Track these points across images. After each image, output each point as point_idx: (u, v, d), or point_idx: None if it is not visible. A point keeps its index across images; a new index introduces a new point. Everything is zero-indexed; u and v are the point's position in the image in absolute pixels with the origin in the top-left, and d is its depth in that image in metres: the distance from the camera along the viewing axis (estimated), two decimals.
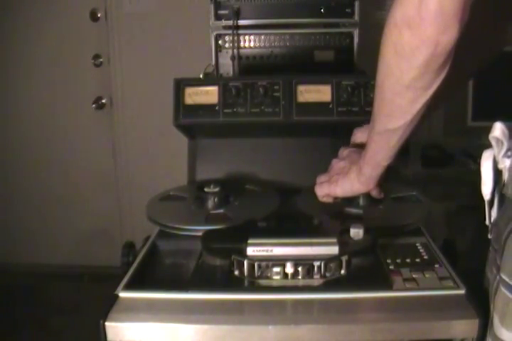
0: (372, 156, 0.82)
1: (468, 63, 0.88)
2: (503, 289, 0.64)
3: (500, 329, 0.65)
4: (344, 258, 0.76)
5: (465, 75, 0.93)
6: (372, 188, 0.88)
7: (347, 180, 0.88)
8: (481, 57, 0.87)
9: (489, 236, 0.73)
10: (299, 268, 0.75)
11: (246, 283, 0.76)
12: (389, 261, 0.80)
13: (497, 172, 0.70)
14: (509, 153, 0.67)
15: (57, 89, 2.42)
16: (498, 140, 0.68)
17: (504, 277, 0.64)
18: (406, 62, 0.64)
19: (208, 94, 1.08)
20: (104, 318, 0.69)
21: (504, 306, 0.64)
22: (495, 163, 0.70)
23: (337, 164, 0.93)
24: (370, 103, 1.05)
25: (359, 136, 0.95)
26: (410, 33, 0.61)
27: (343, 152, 0.95)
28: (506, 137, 0.67)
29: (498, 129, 0.67)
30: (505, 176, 0.68)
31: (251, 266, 0.75)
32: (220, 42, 1.37)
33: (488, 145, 0.70)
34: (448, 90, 0.82)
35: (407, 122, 0.72)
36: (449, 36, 0.60)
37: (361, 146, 0.89)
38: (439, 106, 0.94)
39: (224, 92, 1.08)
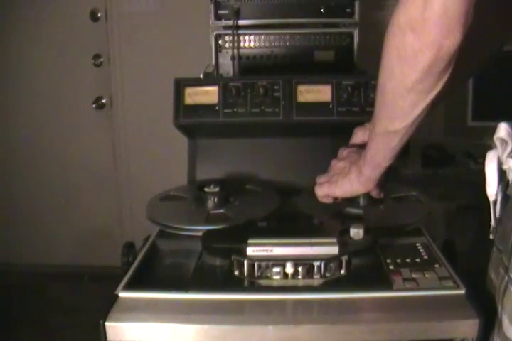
0: (372, 157, 0.82)
1: (468, 63, 0.88)
2: None
3: (511, 330, 0.64)
4: (344, 258, 0.76)
5: (465, 75, 0.93)
6: (372, 189, 0.88)
7: (347, 181, 0.88)
8: (480, 56, 0.87)
9: (491, 237, 0.73)
10: (299, 268, 0.75)
11: (246, 283, 0.76)
12: (389, 261, 0.80)
13: (501, 173, 0.70)
14: None
15: (57, 89, 2.42)
16: (502, 140, 0.68)
17: None
18: (408, 65, 0.64)
19: (208, 94, 1.08)
20: (104, 318, 0.69)
21: None
22: (499, 163, 0.70)
23: (337, 164, 0.93)
24: (370, 103, 1.05)
25: (359, 135, 0.95)
26: (414, 36, 0.61)
27: (343, 152, 0.95)
28: (511, 137, 0.67)
29: (503, 130, 0.67)
30: (510, 177, 0.68)
31: (251, 266, 0.75)
32: (220, 42, 1.37)
33: (489, 145, 0.70)
34: (448, 90, 0.82)
35: (409, 124, 0.72)
36: (452, 40, 0.60)
37: (361, 146, 0.89)
38: (438, 105, 0.94)
39: (224, 92, 1.08)
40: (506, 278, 0.65)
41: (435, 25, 0.59)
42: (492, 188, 0.71)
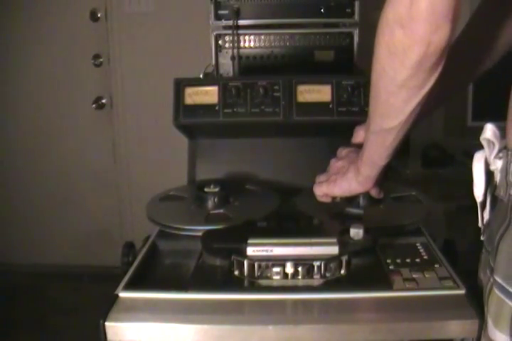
0: (369, 156, 0.82)
1: (472, 64, 0.88)
2: (496, 291, 0.64)
3: (493, 331, 0.64)
4: (344, 258, 0.76)
5: (469, 76, 0.93)
6: (370, 188, 0.88)
7: (345, 180, 0.88)
8: (486, 57, 0.87)
9: (482, 238, 0.73)
10: (299, 268, 0.75)
11: (246, 283, 0.76)
12: (389, 261, 0.80)
13: (489, 174, 0.70)
14: (500, 155, 0.67)
15: (57, 89, 2.42)
16: (489, 141, 0.68)
17: (498, 279, 0.64)
18: (399, 62, 0.64)
19: (208, 94, 1.08)
20: (104, 318, 0.69)
21: (498, 308, 0.64)
22: (487, 164, 0.70)
23: (335, 164, 0.93)
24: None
25: (360, 134, 0.95)
26: (402, 32, 0.61)
27: (342, 152, 0.95)
28: (498, 138, 0.67)
29: (489, 130, 0.67)
30: (497, 178, 0.68)
31: (251, 266, 0.75)
32: (220, 42, 1.37)
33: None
34: (449, 91, 0.82)
35: (402, 121, 0.72)
36: (440, 35, 0.60)
37: (360, 146, 0.89)
38: (441, 105, 0.94)
39: (224, 92, 1.08)
40: (491, 279, 0.65)
41: (423, 22, 0.59)
42: (479, 189, 0.71)
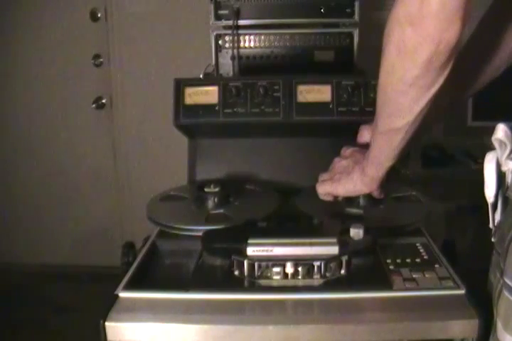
0: (375, 156, 0.82)
1: (476, 73, 0.88)
2: (506, 293, 0.64)
3: (503, 335, 0.64)
4: (344, 258, 0.76)
5: (473, 85, 0.93)
6: (375, 189, 0.88)
7: (350, 180, 0.87)
8: (492, 66, 0.87)
9: (493, 240, 0.73)
10: (299, 268, 0.75)
11: (246, 283, 0.76)
12: (389, 261, 0.80)
13: (500, 175, 0.70)
14: None
15: (57, 89, 2.42)
16: (501, 142, 0.67)
17: (508, 281, 0.64)
18: (409, 60, 0.64)
19: (208, 94, 1.08)
20: (104, 318, 0.69)
21: (507, 311, 0.64)
22: (498, 165, 0.69)
23: (339, 162, 0.93)
24: (370, 103, 1.05)
25: (365, 134, 0.94)
26: (412, 30, 0.61)
27: (346, 151, 0.95)
28: (510, 138, 0.66)
29: (501, 131, 0.67)
30: (509, 178, 0.68)
31: (251, 266, 0.75)
32: (220, 42, 1.37)
33: (489, 146, 0.69)
34: (457, 97, 0.81)
35: (410, 122, 0.72)
36: (451, 34, 0.60)
37: (365, 146, 0.89)
38: (443, 117, 0.94)
39: (224, 92, 1.08)
40: (501, 281, 0.65)
41: (433, 20, 0.59)
42: (490, 190, 0.71)
